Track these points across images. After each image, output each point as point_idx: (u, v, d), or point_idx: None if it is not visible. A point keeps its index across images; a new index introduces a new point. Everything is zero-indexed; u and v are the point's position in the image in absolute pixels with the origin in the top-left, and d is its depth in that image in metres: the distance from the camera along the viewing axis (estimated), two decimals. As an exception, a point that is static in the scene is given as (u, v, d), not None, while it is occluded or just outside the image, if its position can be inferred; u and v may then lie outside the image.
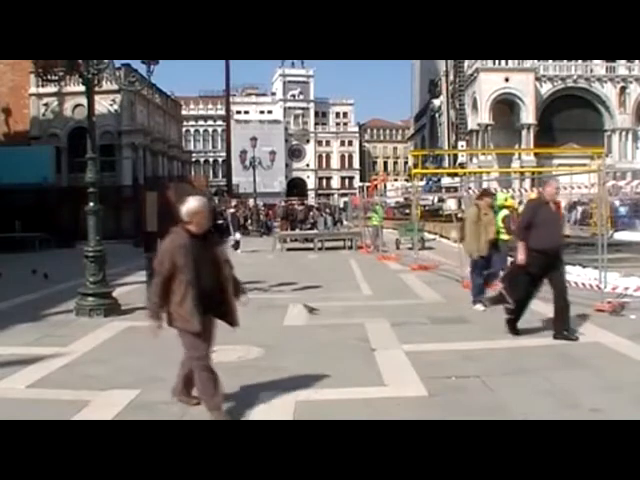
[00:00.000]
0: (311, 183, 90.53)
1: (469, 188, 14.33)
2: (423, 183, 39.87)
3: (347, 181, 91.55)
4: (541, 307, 7.81)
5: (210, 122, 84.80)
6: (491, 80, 53.29)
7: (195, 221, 4.11)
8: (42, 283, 12.30)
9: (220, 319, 4.32)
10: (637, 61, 53.31)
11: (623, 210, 21.56)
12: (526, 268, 6.65)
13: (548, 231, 6.58)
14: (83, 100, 11.14)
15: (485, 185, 25.21)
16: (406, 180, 64.42)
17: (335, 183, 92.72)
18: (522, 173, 33.17)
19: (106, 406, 4.73)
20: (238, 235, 21.26)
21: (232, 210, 27.73)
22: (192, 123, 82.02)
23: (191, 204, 4.12)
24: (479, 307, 8.60)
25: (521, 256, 6.64)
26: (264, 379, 5.39)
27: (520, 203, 12.40)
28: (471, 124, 56.00)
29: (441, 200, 44.48)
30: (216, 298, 4.19)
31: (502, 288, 7.34)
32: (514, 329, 6.92)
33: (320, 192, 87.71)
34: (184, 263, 4.04)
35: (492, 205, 9.11)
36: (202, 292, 4.08)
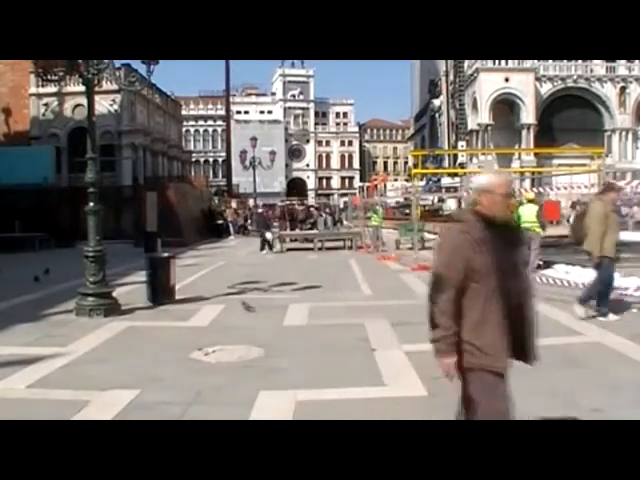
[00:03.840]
0: (311, 183, 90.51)
1: (469, 188, 14.26)
2: (423, 183, 39.97)
3: (347, 181, 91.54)
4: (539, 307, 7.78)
5: (210, 122, 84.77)
6: (491, 80, 53.34)
7: (493, 202, 2.76)
8: (42, 283, 12.29)
9: (512, 352, 2.89)
10: (637, 61, 53.33)
11: None
12: None
13: None
14: (83, 100, 11.14)
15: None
16: (406, 180, 64.52)
17: (335, 183, 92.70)
18: (522, 173, 33.12)
19: (106, 406, 4.73)
20: (269, 235, 21.30)
21: (260, 210, 28.56)
22: (192, 123, 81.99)
23: (488, 179, 2.83)
24: (580, 312, 7.79)
25: None
26: (264, 379, 5.40)
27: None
28: (471, 124, 56.04)
29: (441, 200, 44.54)
30: (518, 320, 2.84)
31: None
32: None
33: (320, 192, 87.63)
34: (486, 265, 2.70)
35: (616, 201, 8.16)
36: (507, 311, 2.77)
